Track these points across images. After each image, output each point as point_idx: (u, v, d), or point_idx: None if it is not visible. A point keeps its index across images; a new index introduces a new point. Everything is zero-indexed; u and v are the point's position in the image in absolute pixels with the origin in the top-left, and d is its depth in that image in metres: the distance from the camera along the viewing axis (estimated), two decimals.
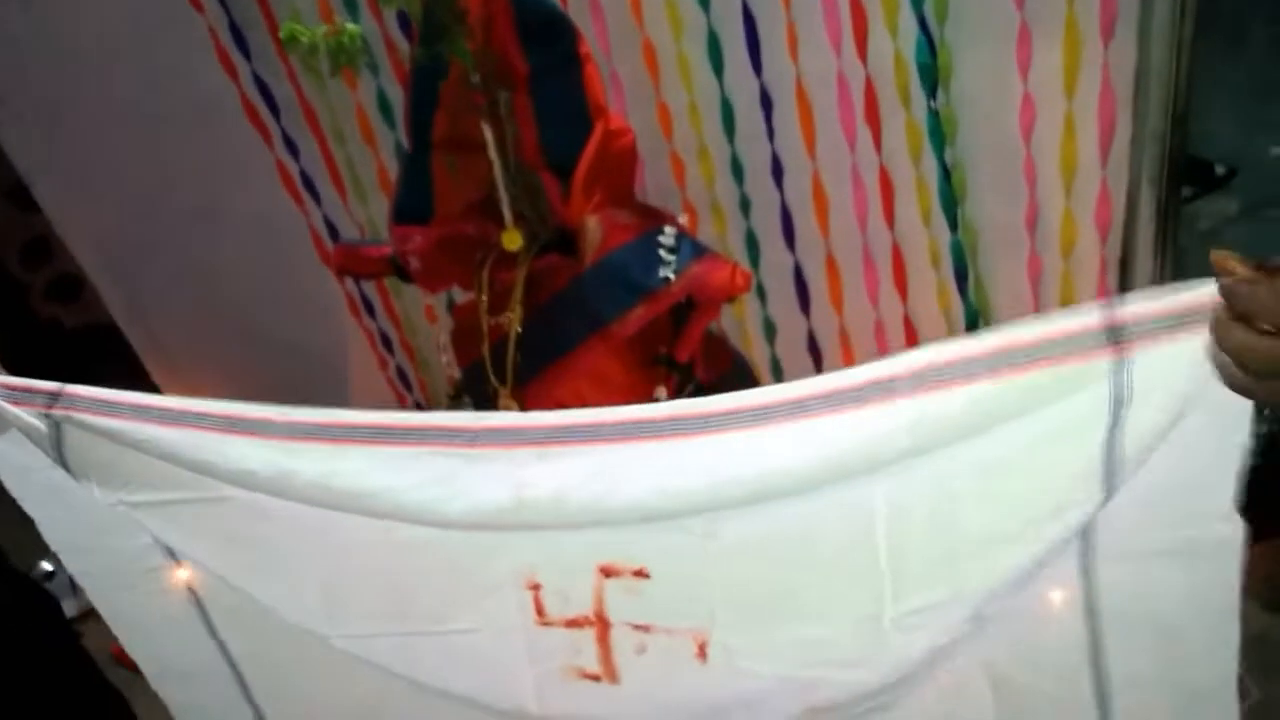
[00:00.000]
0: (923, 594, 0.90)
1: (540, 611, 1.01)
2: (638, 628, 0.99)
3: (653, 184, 1.76)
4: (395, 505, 0.93)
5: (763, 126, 1.66)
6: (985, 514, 0.83)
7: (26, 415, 0.95)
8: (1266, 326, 0.56)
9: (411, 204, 1.55)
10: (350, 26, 1.40)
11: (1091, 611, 0.88)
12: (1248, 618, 1.35)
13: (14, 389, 0.95)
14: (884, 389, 0.76)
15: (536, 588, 1.00)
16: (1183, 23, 1.38)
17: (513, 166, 1.50)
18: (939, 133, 1.56)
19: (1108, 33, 1.39)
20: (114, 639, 1.34)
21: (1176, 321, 0.65)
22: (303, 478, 0.93)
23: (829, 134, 1.63)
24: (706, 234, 1.79)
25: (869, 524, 0.87)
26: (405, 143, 1.55)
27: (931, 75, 1.51)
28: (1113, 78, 1.43)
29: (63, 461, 0.98)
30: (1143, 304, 0.66)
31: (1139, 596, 0.87)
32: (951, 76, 1.51)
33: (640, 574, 0.98)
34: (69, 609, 1.91)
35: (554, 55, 1.46)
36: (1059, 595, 0.88)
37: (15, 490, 1.03)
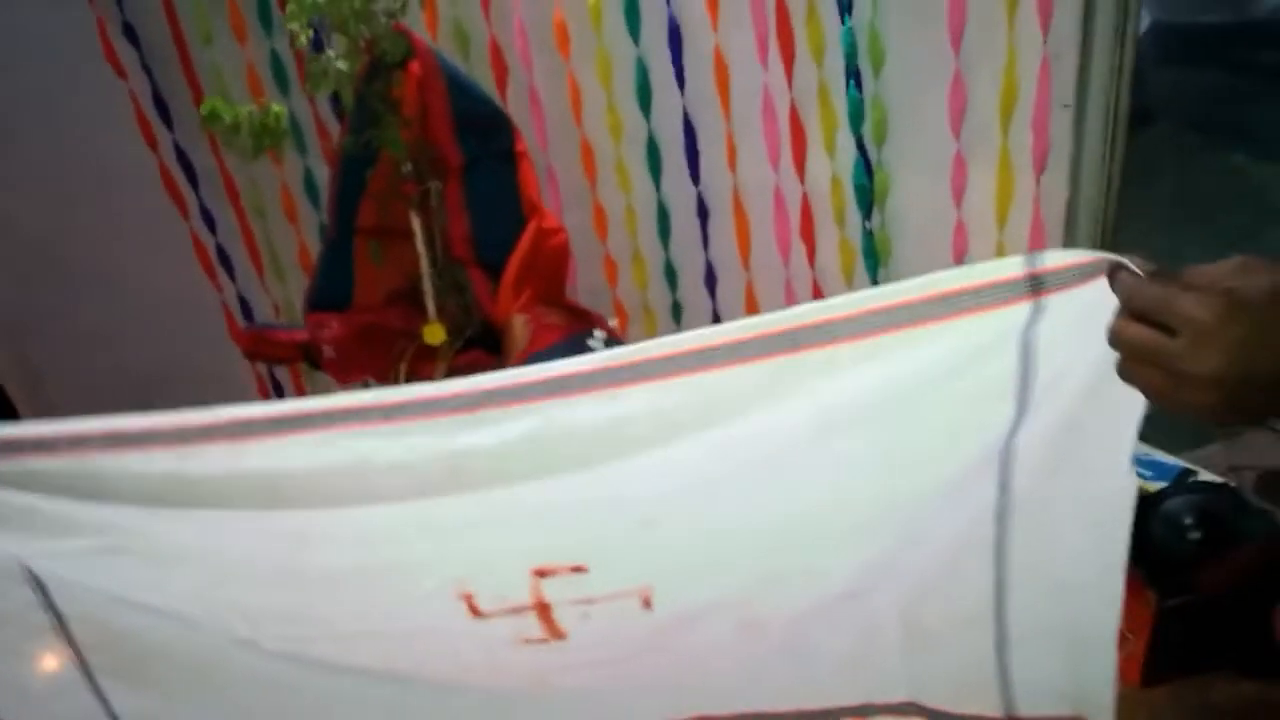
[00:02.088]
0: (850, 515, 0.93)
1: (475, 612, 0.98)
2: (580, 602, 0.98)
3: (584, 284, 1.72)
4: (317, 485, 0.87)
5: (698, 234, 1.65)
6: (910, 432, 0.85)
7: None
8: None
9: (330, 290, 1.48)
10: (276, 107, 1.35)
11: (1000, 557, 0.93)
12: None
13: None
14: (822, 333, 0.78)
15: (469, 596, 0.97)
16: (1111, 161, 1.42)
17: (440, 258, 1.45)
18: (873, 253, 1.56)
19: (1040, 165, 1.42)
20: None
21: (1088, 271, 0.70)
22: (209, 480, 0.88)
23: (763, 246, 1.63)
24: (637, 337, 1.75)
25: (788, 459, 0.88)
26: (327, 227, 1.49)
27: (867, 196, 1.52)
28: (1044, 210, 1.45)
29: None
30: (1058, 256, 0.72)
31: (1041, 538, 0.91)
32: (887, 199, 1.52)
33: (578, 569, 0.96)
34: None
35: (489, 149, 1.43)
36: (973, 541, 0.93)
37: None
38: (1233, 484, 1.81)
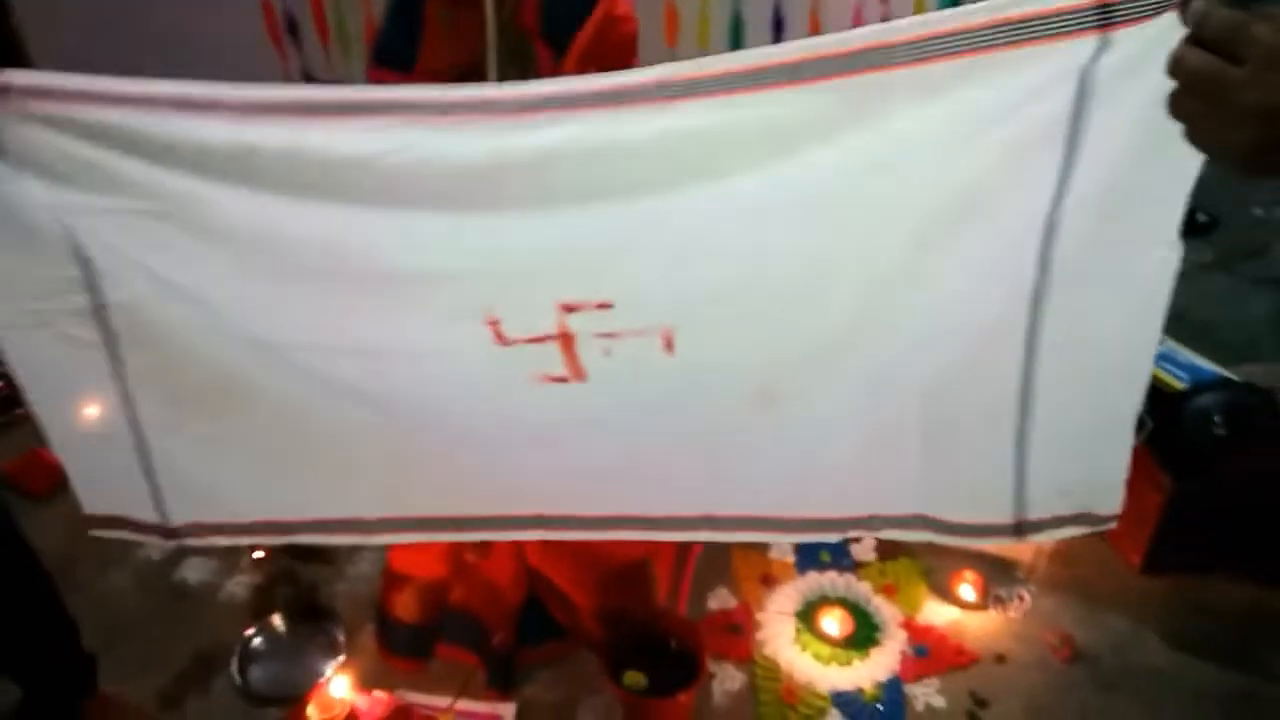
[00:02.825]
0: (885, 273, 0.93)
1: (501, 338, 1.01)
2: (604, 335, 1.01)
3: None
4: (365, 174, 0.90)
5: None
6: (953, 176, 0.84)
7: None
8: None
9: (395, 48, 1.46)
10: None
11: (1031, 335, 0.93)
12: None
13: None
14: (880, 57, 0.75)
15: (495, 322, 1.00)
16: None
17: (508, 28, 1.42)
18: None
19: None
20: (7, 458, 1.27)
21: (1161, 2, 0.68)
22: (264, 153, 0.89)
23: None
24: None
25: (832, 192, 0.87)
26: None
27: None
28: None
29: (1, 153, 0.92)
30: None
31: (1076, 320, 0.91)
32: None
33: (604, 305, 0.98)
34: None
35: None
36: (1005, 322, 0.94)
37: None
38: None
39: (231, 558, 2.16)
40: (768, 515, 1.23)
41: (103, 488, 1.22)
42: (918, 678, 1.79)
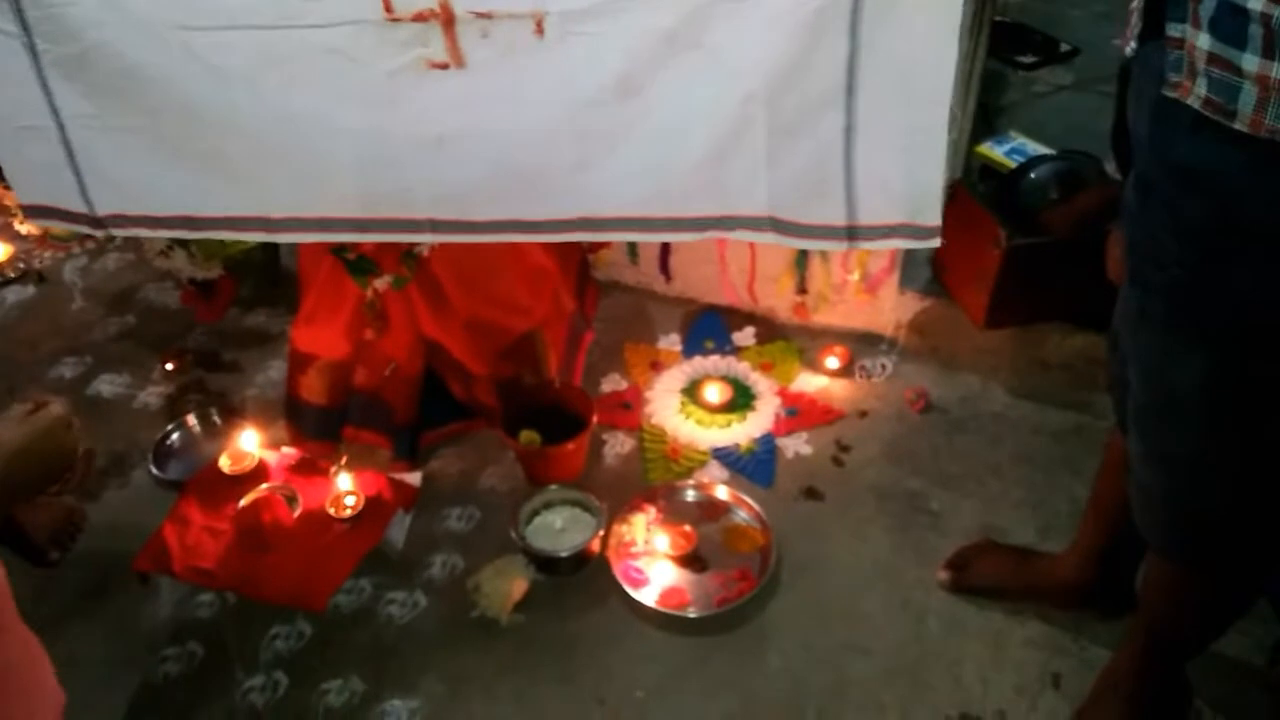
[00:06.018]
0: None
1: (389, 8, 1.13)
2: (480, 15, 1.13)
3: None
4: None
5: None
6: None
7: None
8: None
9: None
10: None
11: (854, 20, 1.10)
12: None
13: None
14: None
15: None
16: None
17: None
18: None
19: None
20: None
21: None
22: None
23: None
24: None
25: None
26: None
27: None
28: None
29: None
30: None
31: (890, 16, 1.08)
32: None
33: None
34: None
35: None
36: (832, 9, 1.10)
37: None
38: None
39: (143, 371, 2.23)
40: (636, 215, 1.35)
41: (34, 178, 1.32)
42: (789, 432, 1.96)
